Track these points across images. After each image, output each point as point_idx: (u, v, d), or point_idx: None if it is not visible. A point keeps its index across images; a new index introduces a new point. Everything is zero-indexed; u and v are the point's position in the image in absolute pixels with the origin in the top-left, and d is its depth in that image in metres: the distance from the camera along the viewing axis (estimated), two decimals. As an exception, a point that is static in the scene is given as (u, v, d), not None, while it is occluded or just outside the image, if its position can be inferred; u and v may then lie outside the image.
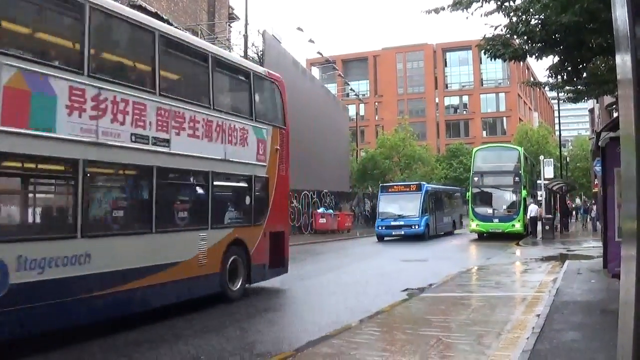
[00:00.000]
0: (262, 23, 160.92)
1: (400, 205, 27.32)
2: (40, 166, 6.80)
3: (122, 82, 7.58)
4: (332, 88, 58.51)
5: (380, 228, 27.37)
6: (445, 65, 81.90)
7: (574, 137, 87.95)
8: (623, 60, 1.55)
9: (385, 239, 27.15)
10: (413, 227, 26.31)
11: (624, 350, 1.52)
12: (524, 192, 26.30)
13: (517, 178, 26.33)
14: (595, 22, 8.35)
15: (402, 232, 26.43)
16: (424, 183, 29.31)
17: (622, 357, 1.58)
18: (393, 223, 26.80)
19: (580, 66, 10.91)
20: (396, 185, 29.79)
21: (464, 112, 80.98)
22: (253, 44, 30.33)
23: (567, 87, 12.84)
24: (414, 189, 27.99)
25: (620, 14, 1.53)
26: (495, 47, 10.24)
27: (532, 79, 53.82)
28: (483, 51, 10.71)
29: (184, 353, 6.35)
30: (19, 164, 6.43)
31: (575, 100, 14.56)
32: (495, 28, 10.04)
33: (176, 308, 9.20)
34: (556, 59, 10.95)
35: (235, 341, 6.87)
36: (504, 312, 8.58)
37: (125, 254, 7.37)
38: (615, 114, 20.41)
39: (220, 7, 35.01)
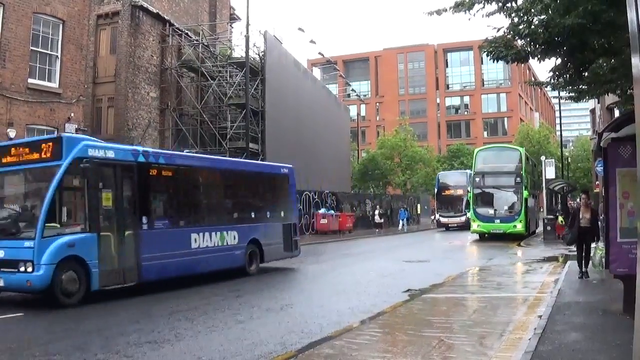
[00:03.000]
0: (263, 23, 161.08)
1: None
2: None
3: None
4: (333, 89, 58.59)
5: None
6: (447, 66, 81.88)
7: (575, 137, 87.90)
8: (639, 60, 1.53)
9: None
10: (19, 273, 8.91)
11: (636, 348, 1.51)
12: (525, 193, 26.27)
13: (518, 179, 26.32)
14: (598, 23, 8.32)
15: None
16: (80, 136, 12.00)
17: (636, 356, 1.57)
18: None
19: (583, 67, 10.88)
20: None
21: (465, 112, 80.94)
22: (254, 45, 30.18)
23: (569, 87, 12.82)
24: (47, 155, 9.73)
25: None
26: (498, 49, 10.19)
27: (533, 79, 53.77)
28: (485, 53, 10.68)
29: (186, 353, 6.33)
30: None
31: (577, 99, 14.54)
32: (498, 30, 10.01)
33: (178, 309, 9.21)
34: (559, 60, 10.92)
35: (238, 342, 6.86)
36: (505, 313, 8.57)
37: None
38: (617, 114, 20.34)
39: (221, 7, 35.00)
